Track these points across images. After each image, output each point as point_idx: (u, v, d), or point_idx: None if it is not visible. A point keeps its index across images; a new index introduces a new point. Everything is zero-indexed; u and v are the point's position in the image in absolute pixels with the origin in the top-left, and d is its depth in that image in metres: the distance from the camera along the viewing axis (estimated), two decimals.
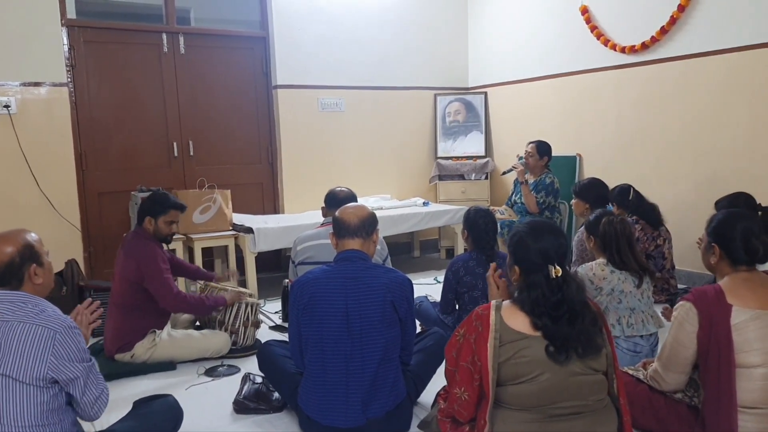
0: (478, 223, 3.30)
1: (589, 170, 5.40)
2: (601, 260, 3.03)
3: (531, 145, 4.97)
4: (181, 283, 4.63)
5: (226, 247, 4.97)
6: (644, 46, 4.83)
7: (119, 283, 3.36)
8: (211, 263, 5.16)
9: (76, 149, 4.85)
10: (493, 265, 2.27)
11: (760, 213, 3.42)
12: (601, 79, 5.26)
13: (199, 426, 2.66)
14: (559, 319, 1.82)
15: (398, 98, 6.18)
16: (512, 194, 5.24)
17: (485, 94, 6.43)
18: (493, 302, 1.93)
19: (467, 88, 6.60)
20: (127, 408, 2.31)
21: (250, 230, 4.72)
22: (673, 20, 4.60)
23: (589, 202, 4.02)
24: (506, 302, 1.93)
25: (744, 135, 4.31)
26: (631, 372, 2.46)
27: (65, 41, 4.77)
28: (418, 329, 3.09)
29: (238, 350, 3.53)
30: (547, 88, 5.77)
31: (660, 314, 3.22)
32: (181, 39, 5.27)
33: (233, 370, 3.33)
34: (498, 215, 4.66)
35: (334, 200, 3.43)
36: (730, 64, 4.34)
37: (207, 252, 4.95)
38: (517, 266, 1.95)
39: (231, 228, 4.93)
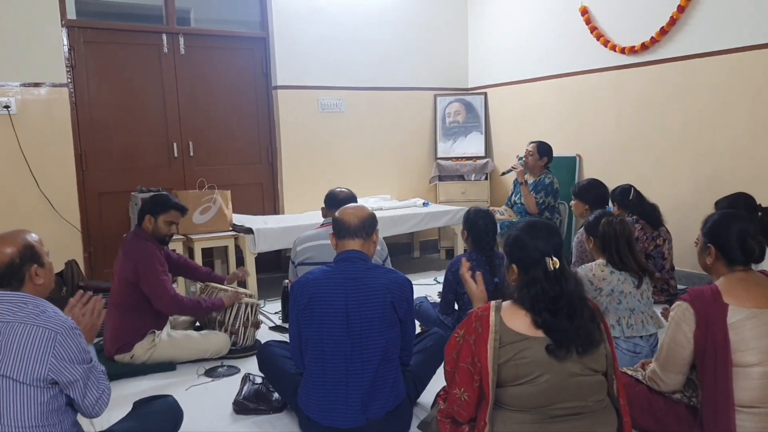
0: (478, 223, 3.31)
1: (589, 171, 5.41)
2: (601, 261, 3.03)
3: (532, 144, 4.97)
4: (181, 284, 4.64)
5: (226, 247, 4.98)
6: (644, 47, 4.83)
7: (118, 283, 3.36)
8: (211, 264, 5.16)
9: (76, 150, 4.85)
10: (463, 260, 2.25)
11: (760, 213, 3.42)
12: (600, 79, 5.27)
13: (199, 426, 2.66)
14: (558, 313, 1.83)
15: (398, 99, 6.19)
16: (512, 194, 5.24)
17: (485, 94, 6.43)
18: (492, 303, 1.93)
19: (467, 89, 6.61)
20: (127, 408, 2.31)
21: (250, 231, 4.72)
22: (672, 21, 4.61)
23: (588, 203, 4.01)
24: (506, 303, 1.93)
25: (744, 136, 4.31)
26: (629, 372, 2.46)
27: (65, 42, 4.77)
28: (418, 330, 3.09)
29: (237, 351, 3.53)
30: (546, 88, 5.77)
31: (660, 315, 3.22)
32: (181, 39, 5.28)
33: (233, 370, 3.33)
34: (498, 216, 4.66)
35: (334, 201, 3.43)
36: (729, 65, 4.34)
37: (207, 252, 4.95)
38: (515, 265, 1.95)
39: (231, 228, 4.94)
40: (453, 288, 3.33)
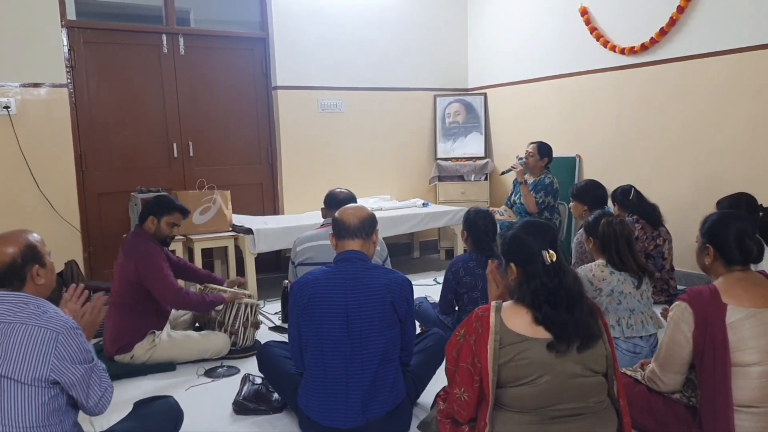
0: (478, 224, 3.31)
1: (589, 171, 5.41)
2: (601, 261, 3.03)
3: (532, 145, 4.97)
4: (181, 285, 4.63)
5: (225, 248, 4.98)
6: (644, 48, 4.84)
7: (119, 284, 3.36)
8: (211, 264, 5.16)
9: (75, 150, 4.85)
10: (493, 262, 2.28)
11: (761, 214, 3.42)
12: (600, 80, 5.27)
13: (199, 427, 2.66)
14: (557, 305, 1.84)
15: (398, 99, 6.19)
16: (511, 194, 5.24)
17: (485, 95, 6.44)
18: (492, 303, 1.93)
19: (467, 89, 6.61)
20: (127, 409, 2.31)
21: (249, 231, 4.72)
22: (672, 21, 4.61)
23: (587, 204, 4.01)
24: (506, 303, 1.93)
25: (743, 136, 4.31)
26: (629, 373, 2.46)
27: (65, 42, 4.78)
28: (418, 330, 3.09)
29: (237, 351, 3.53)
30: (546, 89, 5.77)
31: (659, 315, 3.22)
32: (181, 40, 5.28)
33: (233, 371, 3.33)
34: (497, 216, 4.66)
35: (334, 201, 3.43)
36: (729, 66, 4.34)
37: (207, 253, 4.95)
38: (513, 263, 1.97)
39: (231, 229, 4.93)
40: (453, 288, 3.33)
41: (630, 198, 4.13)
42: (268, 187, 5.82)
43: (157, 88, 5.23)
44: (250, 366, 3.25)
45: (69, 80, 4.80)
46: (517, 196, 5.06)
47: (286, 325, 3.98)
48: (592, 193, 4.08)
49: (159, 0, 5.24)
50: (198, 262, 4.65)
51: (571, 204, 4.23)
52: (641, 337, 2.95)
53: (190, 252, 4.83)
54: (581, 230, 3.67)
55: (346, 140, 5.95)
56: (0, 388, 1.78)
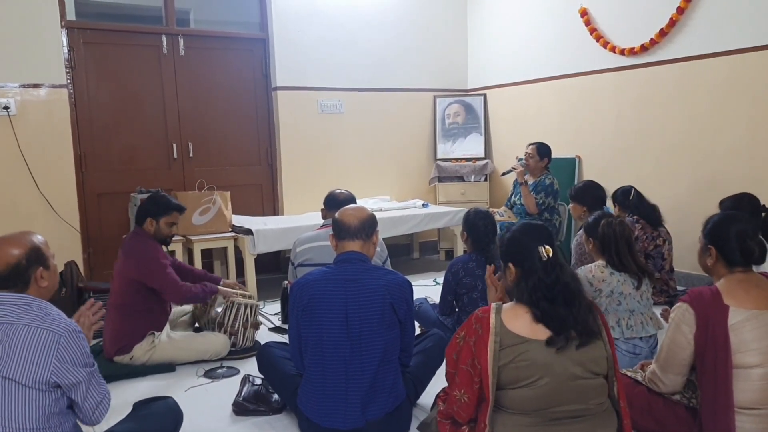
0: (478, 224, 3.31)
1: (589, 172, 5.41)
2: (601, 262, 3.03)
3: (531, 146, 4.97)
4: None
5: (225, 248, 4.98)
6: (643, 48, 4.84)
7: (118, 284, 3.36)
8: (211, 265, 5.16)
9: (75, 151, 4.85)
10: (490, 266, 2.29)
11: (763, 214, 3.42)
12: (600, 81, 5.27)
13: (198, 427, 2.66)
14: (555, 300, 1.86)
15: (398, 100, 6.19)
16: (511, 195, 5.23)
17: (484, 95, 6.44)
18: (493, 305, 1.93)
19: (466, 90, 6.61)
20: (126, 410, 2.31)
21: (249, 232, 4.72)
22: (672, 22, 4.61)
23: (586, 205, 4.01)
24: (506, 305, 1.94)
25: (743, 137, 4.31)
26: (629, 374, 2.46)
27: (65, 43, 4.77)
28: (418, 331, 3.09)
29: (237, 352, 3.53)
30: (546, 89, 5.78)
31: (659, 316, 3.22)
32: (181, 41, 5.28)
33: (233, 371, 3.33)
34: (497, 217, 4.65)
35: (334, 202, 3.43)
36: (729, 67, 4.34)
37: (206, 253, 4.95)
38: (512, 263, 1.98)
39: (230, 229, 4.93)
40: (452, 289, 3.33)
41: (630, 198, 4.12)
42: (268, 188, 5.82)
43: (156, 89, 5.23)
44: (249, 367, 3.25)
45: (69, 81, 4.80)
46: (517, 196, 5.06)
47: (285, 326, 3.98)
48: (591, 193, 4.07)
49: (159, 1, 5.25)
50: (198, 263, 4.65)
51: (570, 205, 4.23)
52: (641, 338, 2.95)
53: (189, 253, 4.83)
54: (581, 231, 3.67)
55: (346, 141, 5.95)
56: (1, 389, 1.78)
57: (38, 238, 1.99)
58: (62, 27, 4.73)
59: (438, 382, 2.60)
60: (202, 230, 4.81)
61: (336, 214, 2.57)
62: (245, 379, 2.99)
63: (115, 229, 4.99)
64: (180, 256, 4.57)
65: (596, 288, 2.95)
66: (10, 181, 4.53)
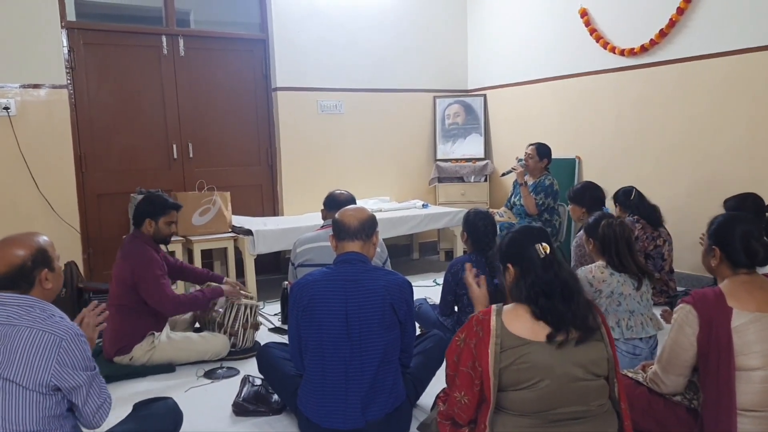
0: (478, 225, 3.31)
1: (588, 173, 5.41)
2: (601, 263, 3.03)
3: (531, 147, 4.97)
4: (180, 287, 4.63)
5: (225, 249, 4.98)
6: (643, 49, 4.84)
7: (117, 286, 3.36)
8: (211, 265, 5.16)
9: (75, 151, 4.85)
10: (468, 265, 2.29)
11: (767, 214, 3.41)
12: (600, 81, 5.27)
13: (198, 428, 2.66)
14: (553, 296, 1.86)
15: (397, 100, 6.19)
16: (511, 196, 5.23)
17: (484, 96, 6.44)
18: (493, 307, 1.93)
19: (466, 91, 6.61)
20: (126, 410, 2.31)
21: (249, 232, 4.72)
22: (672, 23, 4.61)
23: (585, 206, 4.00)
24: (507, 306, 1.93)
25: (743, 137, 4.31)
26: (630, 375, 2.46)
27: (65, 43, 4.77)
28: (418, 331, 3.08)
29: (237, 352, 3.53)
30: (546, 90, 5.78)
31: (659, 317, 3.22)
32: (181, 41, 5.28)
33: (232, 372, 3.33)
34: (497, 217, 4.66)
35: (334, 203, 3.43)
36: (729, 67, 4.34)
37: (206, 254, 4.95)
38: (510, 264, 1.98)
39: (230, 230, 4.93)
40: (452, 289, 3.33)
41: (631, 198, 4.12)
42: (268, 189, 5.82)
43: (156, 90, 5.23)
44: (249, 367, 3.25)
45: (69, 81, 4.80)
46: (517, 197, 5.06)
47: (285, 327, 3.98)
48: (590, 194, 4.07)
49: (159, 1, 5.25)
50: (197, 264, 4.64)
51: (569, 207, 4.22)
52: (641, 338, 2.95)
53: (189, 253, 4.83)
54: (581, 232, 3.67)
55: (346, 141, 5.95)
56: (1, 390, 1.78)
57: (44, 240, 1.98)
58: (62, 27, 4.73)
59: (438, 382, 2.60)
60: (202, 231, 4.81)
61: (336, 215, 2.57)
62: (245, 380, 2.99)
63: (115, 229, 4.99)
64: (180, 257, 4.57)
65: (596, 289, 2.95)
66: (10, 181, 4.53)
